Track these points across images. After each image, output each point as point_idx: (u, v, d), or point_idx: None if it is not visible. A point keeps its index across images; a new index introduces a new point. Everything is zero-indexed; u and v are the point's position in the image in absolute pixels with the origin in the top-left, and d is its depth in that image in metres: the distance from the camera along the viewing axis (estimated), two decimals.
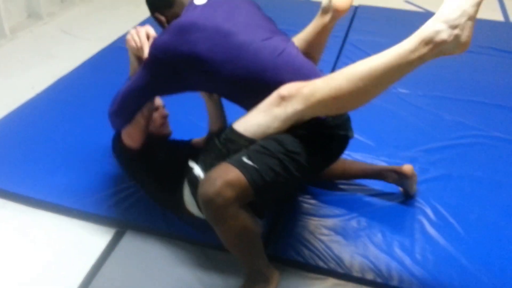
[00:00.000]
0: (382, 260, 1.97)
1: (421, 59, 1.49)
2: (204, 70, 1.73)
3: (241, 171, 1.54)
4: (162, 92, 1.94)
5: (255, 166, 1.57)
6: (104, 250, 2.04)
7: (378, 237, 2.07)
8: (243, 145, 1.65)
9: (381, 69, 1.52)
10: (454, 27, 1.44)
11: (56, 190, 2.28)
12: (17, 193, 2.29)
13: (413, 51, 1.49)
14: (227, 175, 1.53)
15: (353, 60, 3.49)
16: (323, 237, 2.06)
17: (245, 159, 1.58)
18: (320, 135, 1.76)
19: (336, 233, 2.09)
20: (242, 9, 1.87)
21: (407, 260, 1.97)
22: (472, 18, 1.44)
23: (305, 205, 2.23)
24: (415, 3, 4.98)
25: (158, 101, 2.17)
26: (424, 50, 1.47)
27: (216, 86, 1.83)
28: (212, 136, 1.93)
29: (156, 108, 2.09)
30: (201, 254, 2.00)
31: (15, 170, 2.40)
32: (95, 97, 3.04)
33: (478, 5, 1.43)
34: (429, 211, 2.20)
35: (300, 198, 2.25)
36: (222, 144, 1.70)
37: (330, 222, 2.14)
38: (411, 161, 2.47)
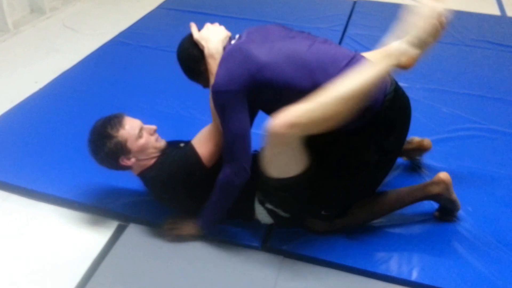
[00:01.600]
0: (381, 251, 2.01)
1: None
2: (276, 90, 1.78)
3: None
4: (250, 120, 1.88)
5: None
6: (107, 243, 2.07)
7: (377, 229, 2.11)
8: (291, 184, 1.84)
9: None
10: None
11: (59, 183, 2.31)
12: (20, 186, 2.31)
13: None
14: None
15: None
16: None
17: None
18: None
19: None
20: (270, 29, 1.95)
21: (406, 252, 2.00)
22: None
23: None
24: None
25: (137, 122, 2.00)
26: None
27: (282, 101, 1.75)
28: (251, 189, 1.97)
29: (141, 129, 1.95)
30: (203, 247, 2.02)
31: (19, 164, 2.43)
32: (98, 91, 3.08)
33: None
34: (426, 203, 2.23)
35: None
36: (274, 194, 1.92)
37: None
38: None
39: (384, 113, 1.80)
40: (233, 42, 1.89)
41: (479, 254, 2.00)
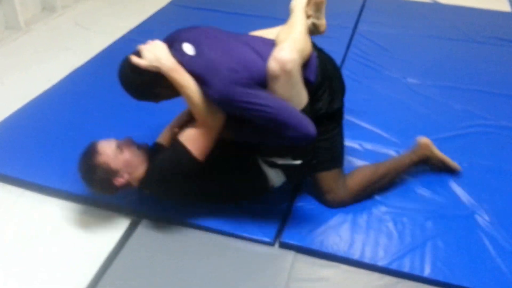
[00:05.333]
0: (393, 247, 2.01)
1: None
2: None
3: None
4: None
5: None
6: (120, 239, 2.09)
7: (389, 225, 2.12)
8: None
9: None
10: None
11: (73, 180, 2.29)
12: (34, 182, 2.33)
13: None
14: None
15: (363, 52, 3.55)
16: (335, 225, 2.11)
17: None
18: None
19: (347, 221, 2.13)
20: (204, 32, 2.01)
21: (418, 247, 2.01)
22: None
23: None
24: None
25: (110, 142, 2.02)
26: None
27: None
28: None
29: (117, 146, 1.98)
30: (216, 243, 2.04)
31: (33, 160, 2.45)
32: (110, 88, 3.08)
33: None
34: (440, 200, 2.25)
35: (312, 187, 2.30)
36: None
37: (342, 210, 2.19)
38: None
39: (320, 74, 2.05)
40: (187, 50, 1.89)
41: (495, 249, 2.01)
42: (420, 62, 3.47)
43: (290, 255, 1.98)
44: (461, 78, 3.29)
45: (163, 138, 2.20)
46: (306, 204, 2.22)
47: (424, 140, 2.36)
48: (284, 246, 2.03)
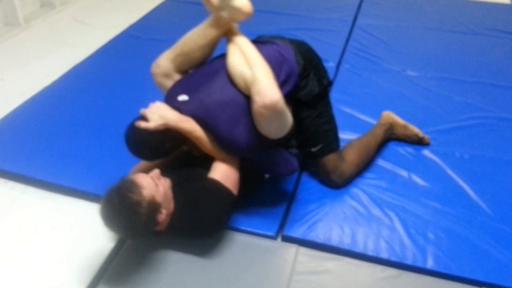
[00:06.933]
0: (396, 239, 2.02)
1: (220, 30, 2.10)
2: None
3: None
4: None
5: None
6: None
7: (392, 217, 2.13)
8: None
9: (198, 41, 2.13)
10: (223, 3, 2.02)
11: (74, 175, 2.33)
12: (36, 178, 2.34)
13: (210, 27, 2.10)
14: None
15: (362, 45, 3.55)
16: (337, 218, 2.12)
17: None
18: None
19: (350, 214, 2.14)
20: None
21: (421, 239, 2.02)
22: None
23: (319, 187, 2.29)
24: None
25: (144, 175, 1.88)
26: (217, 26, 2.09)
27: None
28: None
29: (152, 178, 1.86)
30: (218, 237, 2.03)
31: (34, 156, 2.46)
32: (109, 84, 3.10)
33: None
34: (441, 192, 2.26)
35: (315, 181, 2.32)
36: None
37: (344, 203, 2.20)
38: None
39: (300, 60, 2.09)
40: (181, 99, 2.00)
41: (497, 240, 2.01)
42: (419, 55, 3.47)
43: (293, 248, 1.99)
44: (460, 70, 3.29)
45: (140, 167, 2.14)
46: (308, 197, 2.22)
47: (386, 112, 2.56)
48: (287, 239, 2.04)
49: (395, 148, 2.53)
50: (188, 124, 1.91)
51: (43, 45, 3.79)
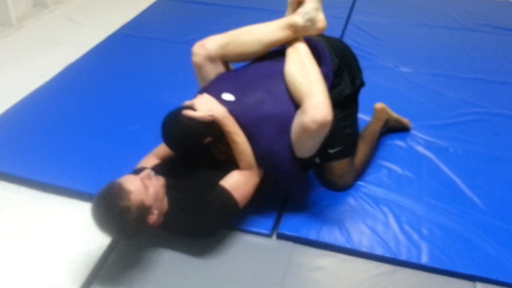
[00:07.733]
0: (390, 235, 2.03)
1: (287, 36, 2.04)
2: None
3: None
4: None
5: None
6: None
7: (386, 213, 2.13)
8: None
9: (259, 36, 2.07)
10: (305, 14, 1.99)
11: (67, 175, 2.32)
12: (29, 178, 2.33)
13: (280, 29, 2.04)
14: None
15: (356, 42, 3.55)
16: (332, 215, 2.12)
17: None
18: None
19: (344, 210, 2.14)
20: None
21: (415, 235, 2.02)
22: (318, 9, 2.01)
23: (313, 184, 2.29)
24: None
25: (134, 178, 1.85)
26: (288, 31, 2.03)
27: None
28: None
29: (141, 181, 1.82)
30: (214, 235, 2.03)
31: (28, 156, 2.45)
32: (103, 83, 3.09)
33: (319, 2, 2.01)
34: (436, 187, 2.26)
35: (310, 177, 2.31)
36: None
37: (338, 199, 2.20)
38: (415, 138, 2.56)
39: (335, 59, 2.09)
40: (227, 98, 1.97)
41: (491, 236, 2.02)
42: (413, 51, 3.48)
43: (287, 245, 1.99)
44: (454, 66, 3.30)
45: (146, 163, 2.12)
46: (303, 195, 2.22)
47: (379, 105, 2.54)
48: (282, 237, 2.04)
49: (389, 144, 2.54)
50: (233, 124, 1.90)
51: (36, 45, 3.78)
